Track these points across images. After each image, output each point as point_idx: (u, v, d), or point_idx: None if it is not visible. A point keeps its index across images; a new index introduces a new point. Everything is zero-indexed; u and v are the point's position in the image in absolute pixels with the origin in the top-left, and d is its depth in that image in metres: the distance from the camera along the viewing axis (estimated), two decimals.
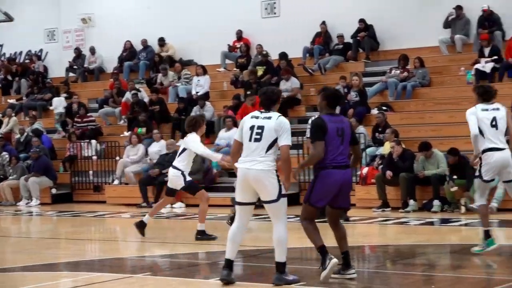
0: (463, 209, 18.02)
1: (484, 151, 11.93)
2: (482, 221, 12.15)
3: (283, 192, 9.82)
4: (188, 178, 14.42)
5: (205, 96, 25.56)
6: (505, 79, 22.40)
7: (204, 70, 26.37)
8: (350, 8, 25.85)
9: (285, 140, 9.76)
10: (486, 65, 22.65)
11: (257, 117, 9.90)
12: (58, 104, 28.72)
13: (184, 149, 14.40)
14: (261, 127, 9.78)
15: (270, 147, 9.75)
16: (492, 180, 12.26)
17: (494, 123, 11.93)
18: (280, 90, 11.85)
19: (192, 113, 24.51)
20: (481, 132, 11.92)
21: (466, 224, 16.60)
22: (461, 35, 24.25)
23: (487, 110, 12.02)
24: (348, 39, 26.01)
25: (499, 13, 23.78)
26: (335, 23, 26.30)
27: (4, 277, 11.35)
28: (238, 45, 27.81)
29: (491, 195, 17.52)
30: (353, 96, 22.26)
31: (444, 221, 17.09)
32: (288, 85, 24.36)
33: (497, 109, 12.11)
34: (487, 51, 22.93)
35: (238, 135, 10.05)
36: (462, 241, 14.69)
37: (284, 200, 9.86)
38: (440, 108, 22.24)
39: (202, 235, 14.45)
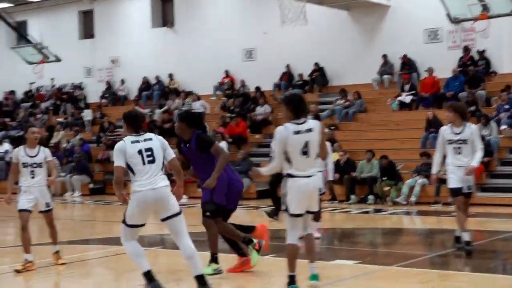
0: (389, 202, 18.07)
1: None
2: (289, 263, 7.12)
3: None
4: None
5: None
6: (420, 108, 22.39)
7: (198, 98, 26.60)
8: (307, 54, 25.72)
9: (172, 153, 7.43)
10: (406, 98, 22.69)
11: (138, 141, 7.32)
12: (87, 114, 29.36)
13: None
14: (149, 149, 7.28)
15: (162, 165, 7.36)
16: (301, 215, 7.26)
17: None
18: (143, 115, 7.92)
19: None
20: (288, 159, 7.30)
21: (393, 213, 16.50)
22: (388, 76, 24.27)
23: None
24: (306, 77, 25.95)
25: (415, 60, 23.79)
26: (297, 65, 26.19)
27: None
28: (225, 80, 27.70)
29: (411, 191, 17.67)
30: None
31: (377, 211, 17.07)
32: (262, 110, 24.43)
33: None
34: (407, 87, 22.93)
35: (120, 161, 7.21)
36: (391, 225, 14.66)
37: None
38: (373, 128, 22.25)
39: None
